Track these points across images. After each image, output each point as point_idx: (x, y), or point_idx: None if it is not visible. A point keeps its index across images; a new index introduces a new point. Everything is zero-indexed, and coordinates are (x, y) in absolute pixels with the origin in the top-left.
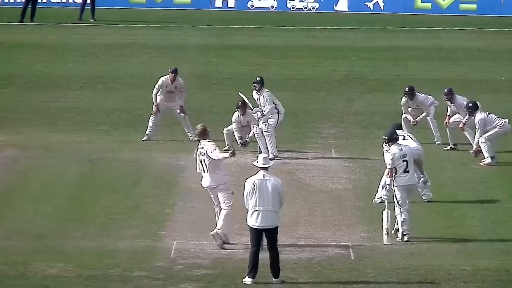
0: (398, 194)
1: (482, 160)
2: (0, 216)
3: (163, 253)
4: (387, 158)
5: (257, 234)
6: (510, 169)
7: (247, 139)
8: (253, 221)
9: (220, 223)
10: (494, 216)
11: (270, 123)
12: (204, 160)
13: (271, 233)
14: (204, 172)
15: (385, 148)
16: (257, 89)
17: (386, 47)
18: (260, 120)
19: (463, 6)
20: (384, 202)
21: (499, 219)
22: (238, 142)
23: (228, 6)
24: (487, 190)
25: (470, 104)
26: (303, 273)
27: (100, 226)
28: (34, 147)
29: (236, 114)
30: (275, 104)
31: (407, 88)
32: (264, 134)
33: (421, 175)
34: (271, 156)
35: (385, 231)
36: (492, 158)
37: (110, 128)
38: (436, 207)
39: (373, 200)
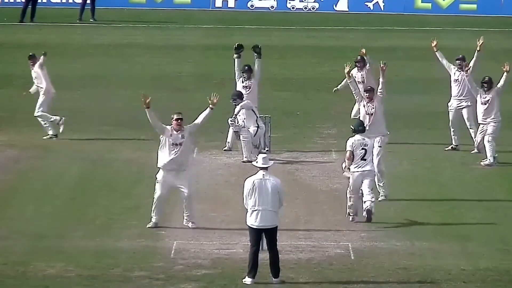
0: (351, 180)
1: (483, 160)
2: (0, 216)
3: (163, 253)
4: (348, 143)
5: (256, 234)
6: (510, 169)
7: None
8: (253, 221)
9: (191, 211)
10: (494, 216)
11: (251, 131)
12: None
13: (271, 233)
14: (173, 154)
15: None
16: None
17: (386, 47)
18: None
19: (463, 6)
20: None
21: (499, 219)
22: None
23: (228, 6)
24: (487, 190)
25: (487, 78)
26: (303, 273)
27: (100, 226)
28: (34, 147)
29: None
30: (257, 117)
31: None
32: (241, 139)
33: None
34: (244, 159)
35: (348, 212)
36: (494, 158)
37: (110, 128)
38: (436, 207)
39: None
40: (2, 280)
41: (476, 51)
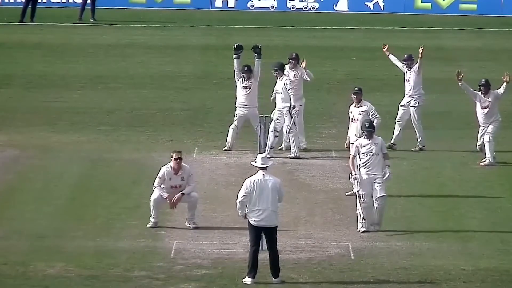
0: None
1: (483, 160)
2: (0, 216)
3: (163, 253)
4: (384, 144)
5: (256, 232)
6: (510, 169)
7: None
8: (253, 220)
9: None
10: (494, 216)
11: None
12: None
13: (270, 233)
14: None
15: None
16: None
17: None
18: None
19: (463, 6)
20: (355, 191)
21: (499, 219)
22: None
23: (228, 6)
24: (487, 190)
25: (484, 81)
26: (303, 273)
27: (100, 226)
28: (34, 147)
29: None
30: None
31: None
32: (288, 133)
33: None
34: (292, 155)
35: (361, 220)
36: (493, 158)
37: (110, 128)
38: (436, 207)
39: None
40: (2, 280)
41: (419, 58)
